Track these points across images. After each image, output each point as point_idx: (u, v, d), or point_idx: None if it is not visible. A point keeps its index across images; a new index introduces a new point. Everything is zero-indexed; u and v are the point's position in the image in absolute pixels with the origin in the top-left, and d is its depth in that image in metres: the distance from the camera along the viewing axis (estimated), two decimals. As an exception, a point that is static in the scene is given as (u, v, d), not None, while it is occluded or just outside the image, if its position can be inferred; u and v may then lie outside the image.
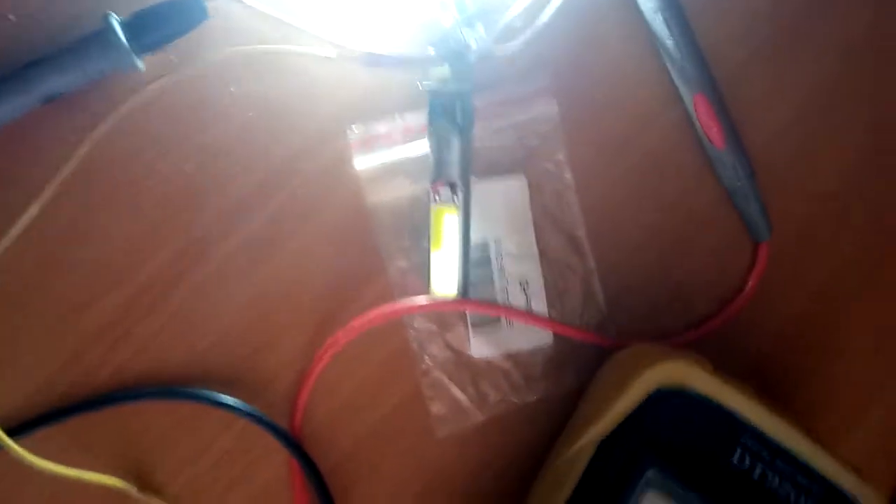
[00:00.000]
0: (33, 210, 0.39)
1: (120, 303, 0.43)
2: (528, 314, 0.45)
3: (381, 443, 0.46)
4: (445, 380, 0.47)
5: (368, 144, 0.45)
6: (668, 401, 0.39)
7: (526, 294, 0.47)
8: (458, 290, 0.44)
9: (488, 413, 0.47)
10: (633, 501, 0.37)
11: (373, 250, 0.46)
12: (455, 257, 0.44)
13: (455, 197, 0.43)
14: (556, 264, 0.48)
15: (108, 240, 0.43)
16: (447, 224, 0.44)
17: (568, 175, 0.47)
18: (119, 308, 0.43)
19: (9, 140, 0.41)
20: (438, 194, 0.44)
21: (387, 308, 0.43)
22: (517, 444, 0.47)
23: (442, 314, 0.46)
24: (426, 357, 0.46)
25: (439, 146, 0.43)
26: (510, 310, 0.45)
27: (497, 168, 0.47)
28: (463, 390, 0.47)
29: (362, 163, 0.45)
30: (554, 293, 0.48)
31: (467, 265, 0.44)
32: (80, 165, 0.40)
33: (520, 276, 0.48)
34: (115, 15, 0.39)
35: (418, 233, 0.46)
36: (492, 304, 0.45)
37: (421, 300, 0.44)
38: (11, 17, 0.41)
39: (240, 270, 0.45)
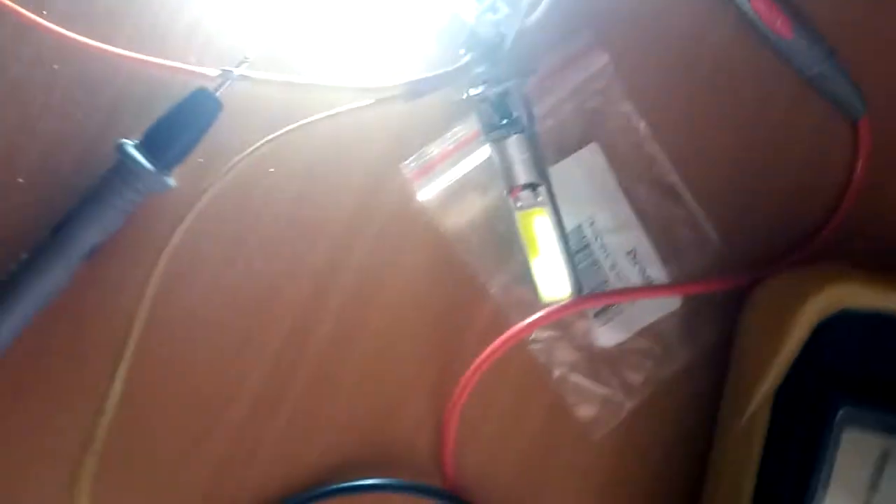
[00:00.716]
0: (127, 356, 0.35)
1: (236, 422, 0.41)
2: (651, 288, 0.42)
3: (539, 465, 0.44)
4: (584, 380, 0.44)
5: (426, 173, 0.41)
6: (835, 328, 0.36)
7: (637, 264, 0.43)
8: (571, 290, 0.40)
9: (638, 398, 0.45)
10: (833, 446, 0.34)
11: (467, 277, 0.43)
12: (558, 258, 0.40)
13: (538, 197, 0.39)
14: (657, 221, 0.44)
15: (202, 363, 0.41)
16: (539, 227, 0.40)
17: (640, 124, 0.43)
18: (237, 427, 0.42)
19: (68, 303, 0.37)
20: (519, 200, 0.39)
21: (508, 334, 0.40)
22: (675, 418, 0.45)
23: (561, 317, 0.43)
24: (556, 365, 0.43)
25: (503, 150, 0.40)
26: (631, 291, 0.42)
27: (564, 146, 0.43)
28: (605, 384, 0.44)
29: (426, 193, 0.42)
30: (666, 251, 0.45)
31: (573, 261, 0.40)
32: (153, 306, 0.37)
33: (625, 247, 0.44)
34: (127, 142, 0.35)
35: (509, 243, 0.43)
36: (611, 292, 0.43)
37: (540, 313, 0.41)
38: (20, 179, 0.37)
39: (342, 347, 0.43)
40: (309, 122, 0.36)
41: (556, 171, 0.42)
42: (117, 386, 0.35)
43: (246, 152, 0.35)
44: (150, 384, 0.39)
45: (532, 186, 0.40)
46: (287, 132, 0.35)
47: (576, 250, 0.43)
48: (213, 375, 0.40)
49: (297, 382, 0.41)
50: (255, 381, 0.41)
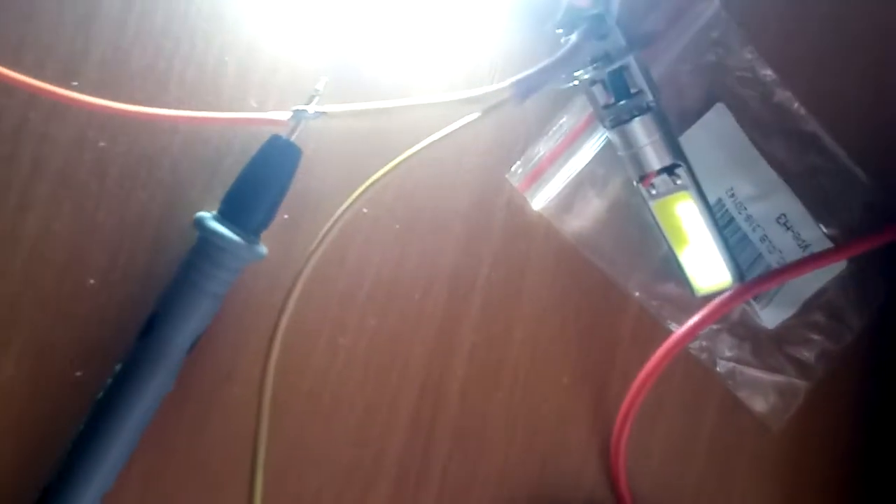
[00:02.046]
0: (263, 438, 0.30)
1: (389, 494, 0.35)
2: (818, 257, 0.37)
3: (721, 472, 0.39)
4: (753, 371, 0.39)
5: (536, 178, 0.35)
6: None
7: (790, 229, 0.37)
8: (732, 276, 0.34)
9: (814, 377, 0.40)
10: None
11: (603, 283, 0.38)
12: (711, 244, 0.33)
13: (678, 180, 0.32)
14: (801, 176, 0.39)
15: (333, 446, 0.36)
16: (683, 214, 0.33)
17: (766, 70, 0.36)
18: (390, 499, 0.36)
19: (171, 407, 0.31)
20: (654, 188, 0.33)
21: (672, 342, 0.35)
22: (859, 392, 0.40)
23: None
24: (720, 361, 0.37)
25: (627, 135, 0.35)
26: (798, 266, 0.37)
27: (686, 113, 0.37)
28: (776, 370, 0.39)
29: (540, 201, 0.36)
30: (817, 207, 0.39)
31: (727, 243, 0.33)
32: (274, 385, 0.32)
33: (773, 214, 0.39)
34: (206, 214, 0.28)
35: (643, 237, 0.38)
36: (777, 271, 0.37)
37: (702, 311, 0.36)
38: (91, 281, 0.31)
39: (482, 392, 0.37)
40: (414, 151, 0.28)
41: (683, 144, 0.36)
42: (258, 486, 0.29)
43: (349, 200, 0.29)
44: (281, 479, 0.34)
45: (669, 170, 0.33)
46: (393, 167, 0.28)
47: (722, 226, 0.37)
48: (347, 456, 0.36)
49: (440, 443, 0.37)
50: (394, 453, 0.36)
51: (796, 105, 0.38)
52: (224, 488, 0.33)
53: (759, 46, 0.37)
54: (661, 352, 0.35)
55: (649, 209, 0.35)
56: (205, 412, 0.34)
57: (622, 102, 0.33)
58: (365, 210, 0.35)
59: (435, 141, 0.29)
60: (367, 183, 0.30)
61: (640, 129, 0.33)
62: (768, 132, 0.38)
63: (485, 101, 0.30)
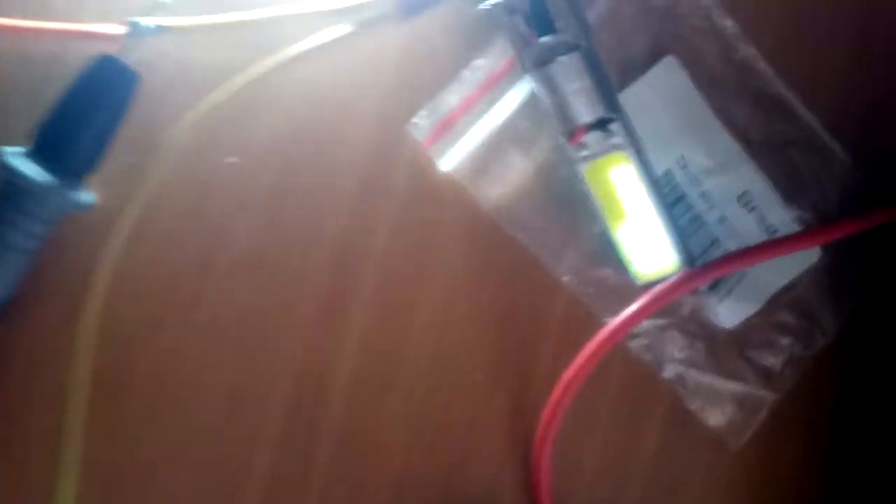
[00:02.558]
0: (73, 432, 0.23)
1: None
2: (782, 243, 0.29)
3: (667, 497, 0.33)
4: (707, 376, 0.32)
5: (445, 131, 0.29)
6: None
7: (754, 209, 0.32)
8: (679, 259, 0.27)
9: (781, 387, 0.34)
10: None
11: (527, 264, 0.32)
12: (654, 219, 0.27)
13: (612, 137, 0.25)
14: (769, 149, 0.33)
15: (192, 425, 0.30)
16: (619, 181, 0.27)
17: (726, 21, 0.29)
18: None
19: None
20: (584, 147, 0.26)
21: (603, 336, 0.28)
22: (833, 406, 0.33)
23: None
24: (668, 363, 0.30)
25: (551, 80, 0.29)
26: (757, 250, 0.30)
27: (628, 64, 0.31)
28: (736, 377, 0.33)
29: (450, 160, 0.29)
30: (786, 185, 0.33)
31: (679, 225, 0.27)
32: (96, 370, 0.26)
33: (733, 190, 0.33)
34: (12, 149, 0.22)
35: (579, 211, 0.32)
36: (731, 256, 0.30)
37: (640, 301, 0.30)
38: None
39: (375, 381, 0.31)
40: (265, 70, 0.22)
41: (624, 101, 0.30)
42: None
43: (180, 138, 0.22)
44: (109, 482, 0.28)
45: (601, 124, 0.26)
46: (239, 90, 0.22)
47: (670, 203, 0.31)
48: (206, 456, 0.29)
49: (323, 446, 0.31)
50: (265, 455, 0.30)
51: (762, 64, 0.32)
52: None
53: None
54: (590, 348, 0.29)
55: (578, 174, 0.28)
56: (11, 402, 0.27)
57: (545, 38, 0.27)
58: (231, 159, 0.28)
59: (295, 58, 0.22)
60: (206, 106, 0.23)
61: (566, 71, 0.27)
62: (728, 94, 0.32)
63: (360, 13, 0.23)
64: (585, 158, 0.29)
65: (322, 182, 0.30)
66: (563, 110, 0.28)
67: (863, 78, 0.33)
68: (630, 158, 0.28)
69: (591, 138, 0.29)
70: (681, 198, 0.32)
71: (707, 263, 0.29)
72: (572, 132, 0.28)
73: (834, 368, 0.33)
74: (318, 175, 0.30)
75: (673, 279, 0.29)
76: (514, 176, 0.31)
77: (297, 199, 0.30)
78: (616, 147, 0.28)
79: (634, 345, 0.32)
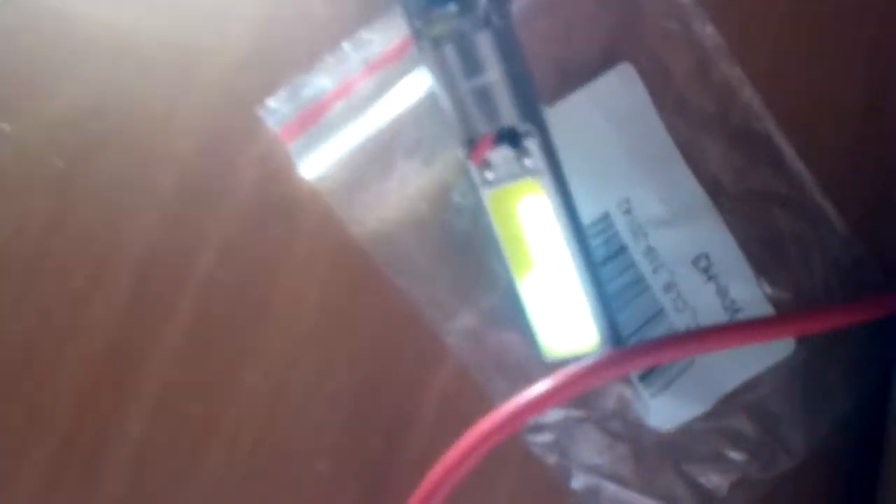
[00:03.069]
0: None
1: None
2: (748, 326, 0.22)
3: None
4: (629, 494, 0.24)
5: (311, 123, 0.20)
6: None
7: (712, 278, 0.24)
8: (601, 336, 0.18)
9: None
10: None
11: (408, 316, 0.24)
12: (572, 274, 0.17)
13: (525, 157, 0.17)
14: (742, 200, 0.26)
15: None
16: (528, 215, 0.17)
17: (708, 28, 0.22)
18: None
19: None
20: (489, 167, 0.17)
21: (486, 427, 0.20)
22: None
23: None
24: (577, 472, 0.21)
25: (447, 64, 0.19)
26: (712, 335, 0.21)
27: (571, 69, 0.23)
28: (667, 498, 0.24)
29: (314, 166, 0.20)
30: (762, 254, 0.25)
31: (600, 276, 0.18)
32: None
33: (689, 250, 0.25)
34: None
35: (477, 251, 0.23)
36: (674, 338, 0.22)
37: (543, 384, 0.20)
38: None
39: (172, 458, 0.23)
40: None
41: (557, 116, 0.23)
42: None
43: None
44: None
45: (510, 137, 0.18)
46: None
47: (602, 259, 0.21)
48: None
49: None
50: None
51: (749, 91, 0.24)
52: None
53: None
54: (468, 440, 0.20)
55: (480, 202, 0.20)
56: None
57: (447, 7, 0.18)
58: (3, 124, 0.19)
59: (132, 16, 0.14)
60: None
61: (471, 56, 0.18)
62: (699, 123, 0.25)
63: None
64: (489, 182, 0.20)
65: (130, 175, 0.21)
66: (463, 112, 0.20)
67: (878, 130, 0.24)
68: (545, 188, 0.19)
69: (499, 156, 0.20)
70: (619, 251, 0.23)
71: (639, 345, 0.21)
72: (474, 144, 0.20)
73: (797, 500, 0.24)
74: (126, 165, 0.21)
75: (590, 361, 0.20)
76: (398, 197, 0.23)
77: (92, 195, 0.22)
78: (529, 171, 0.20)
79: (537, 441, 0.24)
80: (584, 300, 0.21)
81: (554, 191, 0.20)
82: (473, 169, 0.21)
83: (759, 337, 0.22)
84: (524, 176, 0.21)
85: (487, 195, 0.21)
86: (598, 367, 0.21)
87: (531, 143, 0.20)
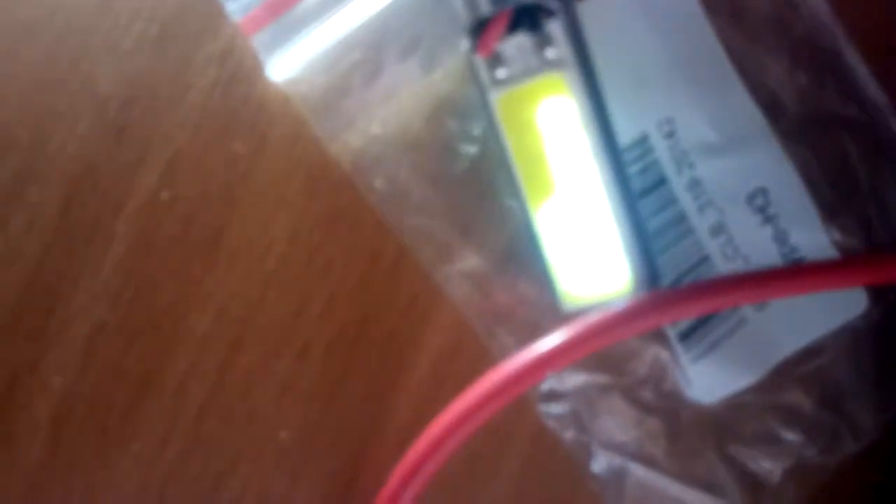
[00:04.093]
0: None
1: None
2: (811, 271, 0.17)
3: None
4: (661, 479, 0.20)
5: (278, 11, 0.15)
6: None
7: (771, 220, 0.20)
8: (635, 276, 0.13)
9: None
10: None
11: (395, 253, 0.19)
12: (602, 197, 0.13)
13: (547, 47, 0.12)
14: (808, 126, 0.21)
15: None
16: (549, 123, 0.13)
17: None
18: None
19: None
20: (501, 60, 0.12)
21: (485, 388, 0.15)
22: None
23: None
24: (600, 451, 0.18)
25: None
26: (773, 279, 0.17)
27: None
28: (709, 486, 0.22)
29: (283, 65, 0.15)
30: (829, 189, 0.20)
31: (636, 204, 0.13)
32: None
33: (743, 184, 0.21)
34: None
35: (483, 179, 0.20)
36: (722, 282, 0.18)
37: (558, 335, 0.15)
38: None
39: (105, 417, 0.19)
40: None
41: (588, 11, 0.18)
42: None
43: None
44: None
45: (530, 19, 0.13)
46: None
47: (638, 191, 0.16)
48: None
49: None
50: None
51: (822, 5, 0.19)
52: None
53: None
54: (462, 404, 0.15)
55: (488, 109, 0.15)
56: None
57: None
58: None
59: None
60: None
61: None
62: (760, 36, 0.19)
63: None
64: (500, 82, 0.16)
65: (61, 73, 0.17)
66: None
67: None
68: (571, 86, 0.15)
69: (513, 46, 0.15)
70: (657, 183, 0.19)
71: (682, 288, 0.16)
72: (481, 29, 0.15)
73: (863, 489, 0.20)
74: (56, 61, 0.17)
75: (621, 307, 0.16)
76: (388, 109, 0.18)
77: (13, 95, 0.17)
78: (551, 65, 0.15)
79: (551, 412, 0.19)
80: (616, 232, 0.17)
81: (582, 89, 0.16)
82: (481, 64, 0.17)
83: (826, 284, 0.18)
84: (545, 71, 0.16)
85: (498, 99, 0.17)
86: (632, 315, 0.16)
87: (555, 26, 0.16)
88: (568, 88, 0.17)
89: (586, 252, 0.18)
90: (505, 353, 0.19)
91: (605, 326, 0.16)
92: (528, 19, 0.16)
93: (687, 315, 0.18)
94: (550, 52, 0.17)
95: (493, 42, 0.17)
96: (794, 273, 0.17)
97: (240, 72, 0.19)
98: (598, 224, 0.18)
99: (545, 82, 0.17)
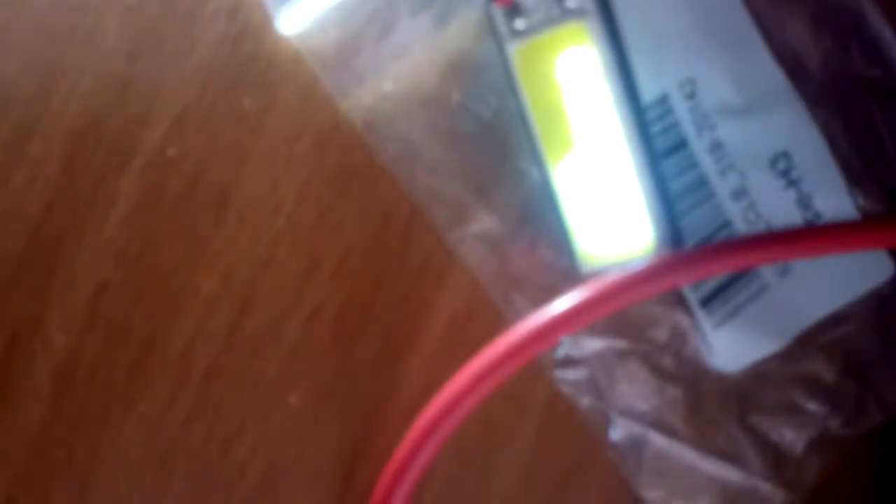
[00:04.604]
0: None
1: None
2: (835, 232, 0.16)
3: None
4: (681, 449, 0.19)
5: None
6: None
7: (794, 184, 0.19)
8: (657, 236, 0.12)
9: (800, 480, 0.21)
10: None
11: (408, 214, 0.19)
12: (625, 153, 0.13)
13: None
14: (832, 88, 0.21)
15: None
16: (569, 76, 0.12)
17: None
18: None
19: None
20: (519, 9, 0.11)
21: (500, 349, 0.14)
22: None
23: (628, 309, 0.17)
24: (618, 419, 0.17)
25: None
26: (796, 239, 0.16)
27: None
28: (729, 457, 0.20)
29: (294, 18, 0.15)
30: (855, 153, 0.20)
31: (658, 161, 0.12)
32: None
33: (766, 147, 0.20)
34: None
35: (499, 137, 0.19)
36: (744, 242, 0.17)
37: (580, 295, 0.16)
38: None
39: (111, 378, 0.19)
40: None
41: None
42: None
43: None
44: None
45: None
46: None
47: (660, 152, 0.16)
48: None
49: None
50: None
51: None
52: None
53: None
54: (474, 368, 0.15)
55: (507, 61, 0.15)
56: None
57: None
58: None
59: None
60: None
61: None
62: None
63: None
64: (518, 33, 0.15)
65: (65, 21, 0.17)
66: None
67: None
68: (592, 36, 0.14)
69: None
70: (678, 145, 0.19)
71: (704, 247, 0.15)
72: None
73: (888, 463, 0.19)
74: (60, 7, 0.16)
75: (642, 266, 0.15)
76: (402, 65, 0.18)
77: (15, 44, 0.18)
78: (572, 15, 0.15)
79: (567, 378, 0.19)
80: (638, 190, 0.16)
81: (605, 39, 0.15)
82: (498, 14, 0.16)
83: (850, 245, 0.17)
84: (565, 21, 0.16)
85: (515, 51, 0.16)
86: (654, 274, 0.16)
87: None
88: (590, 38, 0.16)
89: (606, 211, 0.18)
90: (520, 318, 0.19)
91: (622, 286, 0.16)
92: (548, -35, 0.16)
93: (707, 274, 0.17)
94: (571, 1, 0.16)
95: (509, -8, 0.16)
96: (818, 233, 0.17)
97: (249, 26, 0.18)
98: (620, 181, 0.17)
99: (566, 32, 0.16)
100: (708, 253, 0.16)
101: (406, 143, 0.19)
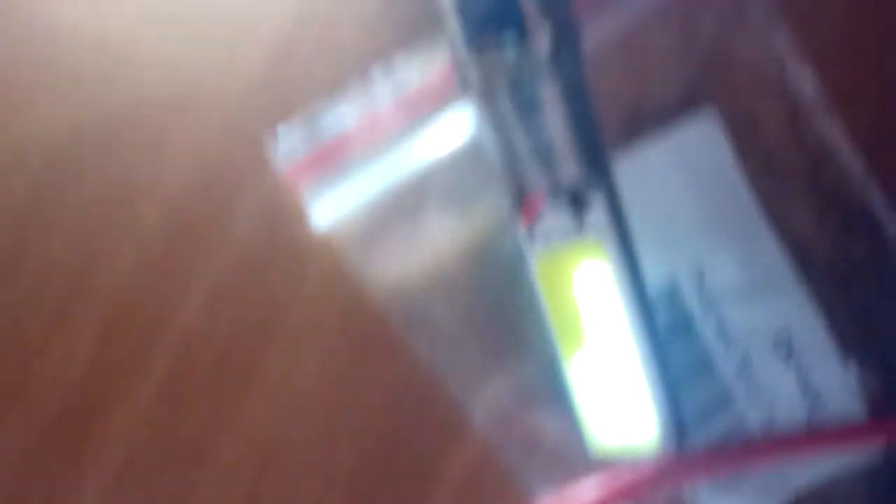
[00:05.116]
0: None
1: None
2: (830, 435, 0.17)
3: None
4: None
5: (325, 161, 0.16)
6: None
7: (796, 365, 0.19)
8: (663, 433, 0.14)
9: None
10: None
11: (426, 388, 0.19)
12: (634, 354, 0.15)
13: (588, 215, 0.13)
14: (833, 274, 0.22)
15: None
16: (584, 286, 0.14)
17: (805, 81, 0.18)
18: None
19: None
20: (539, 229, 0.13)
21: None
22: None
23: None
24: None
25: (499, 106, 0.15)
26: (792, 444, 0.17)
27: (644, 116, 0.19)
28: None
29: (327, 212, 0.16)
30: (852, 332, 0.22)
31: (666, 359, 0.14)
32: None
33: (768, 326, 0.21)
34: None
35: (515, 319, 0.19)
36: (748, 446, 0.20)
37: (592, 490, 0.16)
38: None
39: None
40: None
41: (625, 165, 0.20)
42: None
43: None
44: None
45: (573, 193, 0.14)
46: None
47: (667, 331, 0.19)
48: None
49: None
50: None
51: (848, 156, 0.21)
52: None
53: (798, 29, 0.19)
54: None
55: (526, 264, 0.16)
56: None
57: (502, 36, 0.15)
58: None
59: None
60: None
61: (530, 100, 0.15)
62: (788, 184, 0.21)
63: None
64: (538, 244, 0.17)
65: (107, 211, 0.18)
66: (514, 163, 0.16)
67: None
68: (608, 254, 0.16)
69: (553, 213, 0.16)
70: (685, 325, 0.20)
71: (708, 451, 0.17)
72: (523, 199, 0.16)
73: None
74: (104, 199, 0.18)
75: (649, 466, 0.17)
76: (425, 253, 0.19)
77: (58, 231, 0.18)
78: (588, 234, 0.16)
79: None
80: (646, 388, 0.18)
81: (619, 257, 0.17)
82: (522, 228, 0.18)
83: (846, 443, 0.18)
84: (583, 237, 0.17)
85: (536, 258, 0.18)
86: (661, 475, 0.17)
87: (596, 200, 0.17)
88: (605, 255, 0.18)
89: (615, 402, 0.19)
90: (528, 484, 0.20)
91: (630, 487, 0.17)
92: (570, 193, 0.17)
93: (707, 477, 0.19)
94: (588, 220, 0.18)
95: (535, 211, 0.18)
96: (818, 437, 0.18)
97: (282, 215, 0.20)
98: (628, 377, 0.19)
99: (583, 247, 0.18)
100: (711, 459, 0.18)
101: (424, 318, 0.21)
